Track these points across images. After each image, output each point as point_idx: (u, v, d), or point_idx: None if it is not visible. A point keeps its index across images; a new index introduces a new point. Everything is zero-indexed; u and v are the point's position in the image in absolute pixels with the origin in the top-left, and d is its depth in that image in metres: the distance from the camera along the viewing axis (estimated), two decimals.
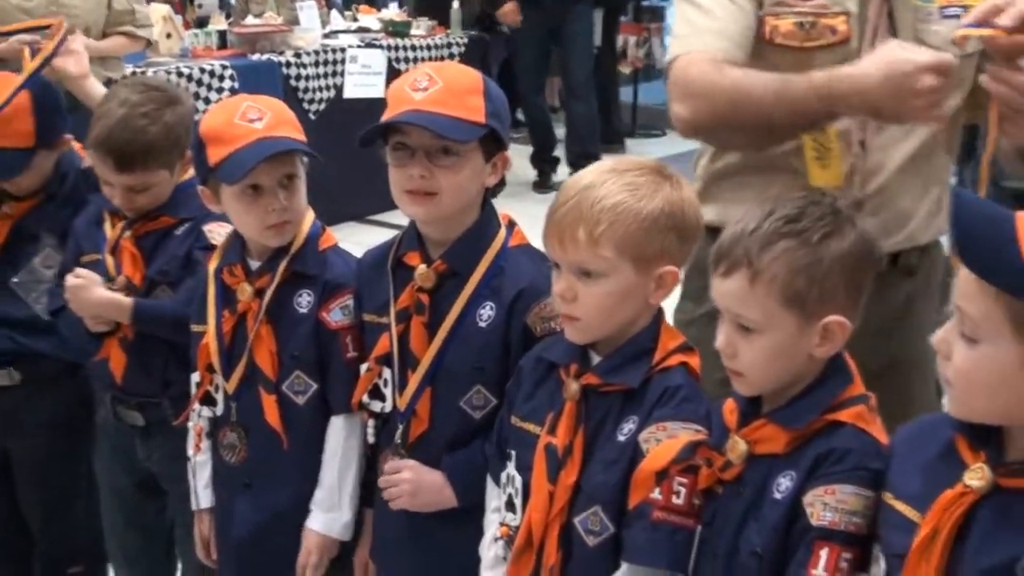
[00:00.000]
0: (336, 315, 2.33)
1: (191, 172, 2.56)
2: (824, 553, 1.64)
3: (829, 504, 1.64)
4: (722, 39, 2.20)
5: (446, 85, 2.08)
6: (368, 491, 2.35)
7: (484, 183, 2.17)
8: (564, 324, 1.95)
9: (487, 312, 2.13)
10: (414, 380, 2.17)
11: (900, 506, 1.59)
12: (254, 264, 2.39)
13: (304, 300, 2.35)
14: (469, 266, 2.14)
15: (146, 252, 2.65)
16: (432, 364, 2.15)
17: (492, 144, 2.14)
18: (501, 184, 2.19)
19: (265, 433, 2.36)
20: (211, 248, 2.54)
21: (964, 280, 1.47)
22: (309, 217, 2.41)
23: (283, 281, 2.35)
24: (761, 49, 2.24)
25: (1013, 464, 1.49)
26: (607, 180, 1.89)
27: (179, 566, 2.93)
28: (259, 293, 2.35)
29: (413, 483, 2.18)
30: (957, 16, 2.09)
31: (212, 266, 2.44)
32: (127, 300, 2.58)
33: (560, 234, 1.89)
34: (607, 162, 1.98)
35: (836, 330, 1.71)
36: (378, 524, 2.34)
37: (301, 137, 2.36)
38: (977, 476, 1.50)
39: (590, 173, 1.93)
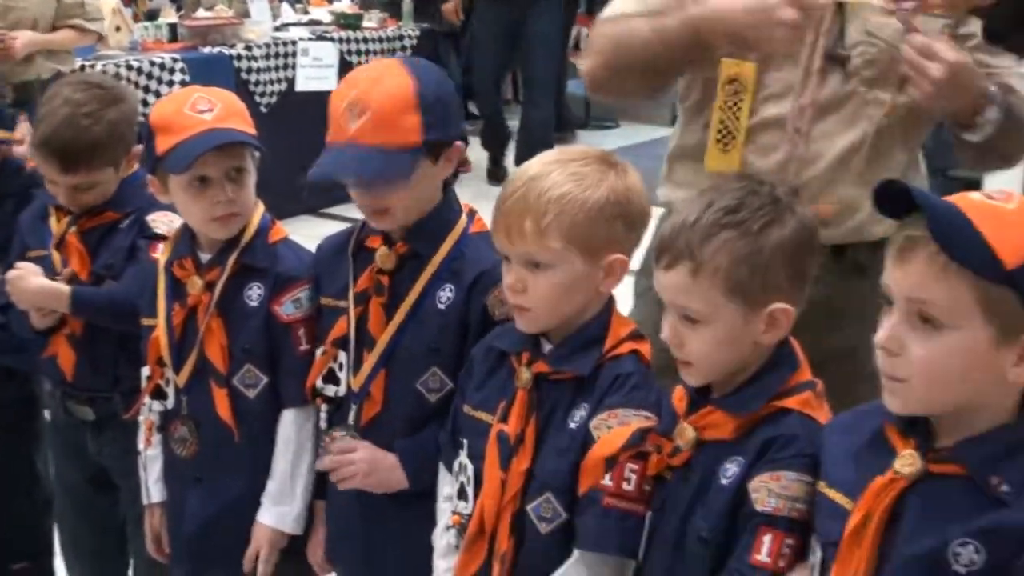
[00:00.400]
0: (288, 308, 2.32)
1: (137, 166, 2.55)
2: (767, 539, 1.65)
3: (774, 490, 1.66)
4: (640, 3, 2.25)
5: (375, 113, 2.03)
6: (320, 483, 2.35)
7: (438, 180, 2.17)
8: (515, 314, 1.96)
9: (446, 294, 2.14)
10: (370, 360, 2.17)
11: (833, 494, 1.60)
12: (204, 257, 2.38)
13: (254, 293, 2.34)
14: (430, 248, 2.14)
15: (91, 247, 2.64)
16: (389, 345, 2.15)
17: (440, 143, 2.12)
18: (464, 165, 2.18)
19: (216, 426, 2.35)
20: (155, 237, 2.54)
21: (921, 269, 1.47)
22: (259, 210, 2.40)
23: (233, 274, 2.34)
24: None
25: (942, 450, 1.51)
26: (552, 171, 1.90)
27: (131, 561, 2.91)
28: (209, 286, 2.34)
29: (368, 462, 2.17)
30: (914, 9, 2.09)
31: (163, 259, 2.43)
32: (65, 287, 2.57)
33: (507, 226, 1.90)
34: (553, 152, 1.98)
35: (780, 317, 1.72)
36: (330, 515, 2.34)
37: (251, 130, 2.35)
38: (907, 463, 1.51)
39: (536, 164, 1.94)
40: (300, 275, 2.34)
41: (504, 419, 1.96)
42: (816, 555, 1.62)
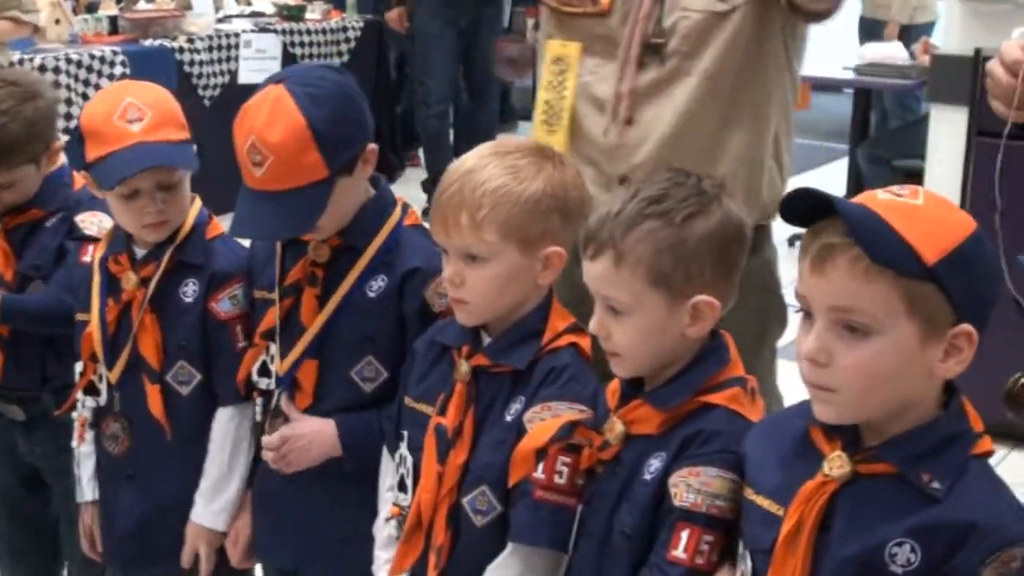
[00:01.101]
0: (225, 305, 2.30)
1: (61, 161, 2.51)
2: (685, 535, 1.64)
3: (692, 486, 1.65)
4: None
5: (276, 160, 2.01)
6: (248, 472, 2.34)
7: (360, 185, 2.14)
8: (454, 307, 1.95)
9: (377, 283, 2.13)
10: (299, 347, 2.15)
11: (762, 501, 1.58)
12: (140, 252, 2.35)
13: (190, 289, 2.32)
14: (364, 241, 2.13)
15: (16, 246, 2.60)
16: (319, 334, 2.14)
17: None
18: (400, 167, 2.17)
19: (148, 423, 2.32)
20: (84, 239, 2.50)
21: (844, 276, 1.45)
22: (196, 206, 2.38)
23: (168, 270, 2.32)
24: (542, 12, 2.38)
25: (869, 450, 1.50)
26: (488, 164, 1.89)
27: (65, 561, 2.89)
28: (144, 282, 2.32)
29: (305, 437, 2.15)
30: None
31: (98, 254, 2.40)
32: None
33: (444, 219, 1.90)
34: (489, 145, 1.98)
35: (705, 310, 1.72)
36: (260, 504, 2.32)
37: (183, 135, 2.30)
38: (836, 465, 1.50)
39: (472, 157, 1.93)
40: (236, 271, 2.32)
41: (443, 412, 1.95)
42: (747, 564, 1.60)
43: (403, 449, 2.03)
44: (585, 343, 1.94)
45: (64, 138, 2.73)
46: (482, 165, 1.89)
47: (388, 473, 2.10)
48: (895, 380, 1.47)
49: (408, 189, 2.03)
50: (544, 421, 1.83)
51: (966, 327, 1.45)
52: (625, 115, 2.22)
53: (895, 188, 1.51)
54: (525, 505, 1.83)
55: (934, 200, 1.49)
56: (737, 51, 2.23)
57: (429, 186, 7.14)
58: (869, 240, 1.43)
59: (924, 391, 1.49)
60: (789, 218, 1.54)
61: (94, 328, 2.36)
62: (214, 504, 2.33)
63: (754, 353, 1.83)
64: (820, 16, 2.22)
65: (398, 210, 2.19)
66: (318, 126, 2.01)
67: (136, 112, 2.24)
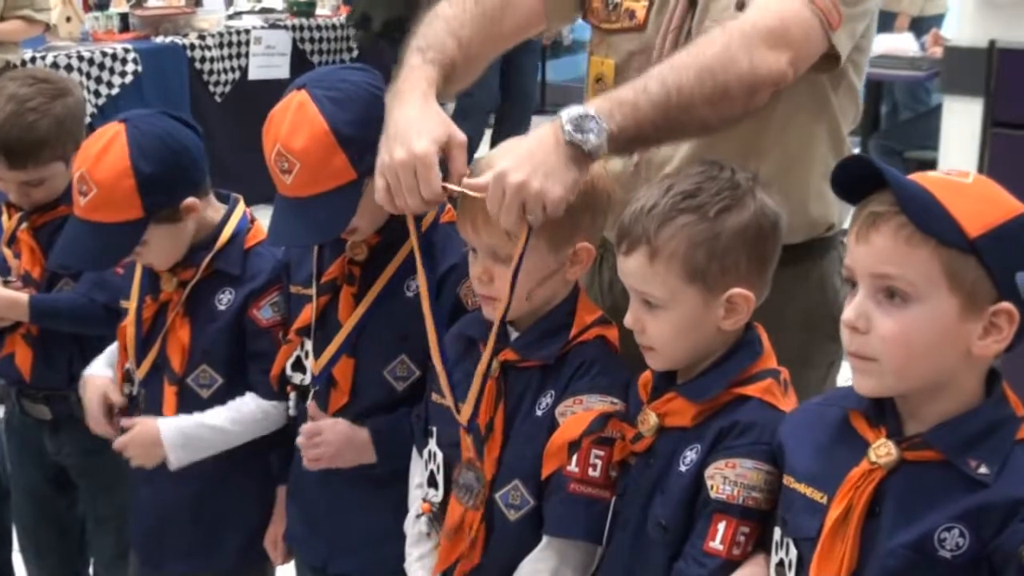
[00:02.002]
0: (266, 312, 2.31)
1: None
2: (722, 526, 1.65)
3: (729, 478, 1.66)
4: None
5: (303, 166, 2.00)
6: (283, 468, 2.34)
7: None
8: (483, 304, 1.95)
9: (415, 283, 2.10)
10: (333, 345, 2.15)
11: (804, 488, 1.59)
12: None
13: (225, 298, 2.32)
14: (402, 238, 2.11)
15: (44, 244, 2.61)
16: (353, 331, 2.14)
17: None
18: None
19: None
20: None
21: (888, 243, 1.47)
22: (238, 212, 2.39)
23: (206, 276, 2.33)
24: (576, 16, 2.27)
25: (915, 437, 1.51)
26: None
27: (91, 560, 2.90)
28: (183, 284, 2.33)
29: (336, 444, 2.15)
30: None
31: None
32: (23, 297, 2.55)
33: (473, 218, 1.88)
34: (513, 141, 1.94)
35: (740, 302, 1.72)
36: (293, 499, 2.33)
37: (130, 215, 2.22)
38: (883, 452, 1.51)
39: (498, 155, 1.89)
40: (275, 279, 2.33)
41: (476, 407, 1.94)
42: (790, 552, 1.60)
43: (432, 445, 2.03)
44: (613, 335, 1.94)
45: None
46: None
47: (417, 471, 2.10)
48: (932, 352, 1.47)
49: None
50: (577, 414, 1.84)
51: (1007, 305, 1.46)
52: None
53: (945, 169, 1.53)
54: (560, 499, 1.83)
55: (983, 181, 1.52)
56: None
57: None
58: (914, 208, 1.45)
59: (962, 370, 1.50)
60: (839, 190, 1.56)
61: (130, 322, 2.37)
62: (183, 447, 2.31)
63: (798, 374, 1.81)
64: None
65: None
66: (341, 129, 2.00)
67: (84, 185, 2.22)
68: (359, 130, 2.01)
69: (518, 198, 1.74)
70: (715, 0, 2.07)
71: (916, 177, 1.51)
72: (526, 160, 1.75)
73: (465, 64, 2.12)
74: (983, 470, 1.46)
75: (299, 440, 2.19)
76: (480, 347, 1.97)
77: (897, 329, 1.47)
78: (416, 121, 1.88)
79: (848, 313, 1.51)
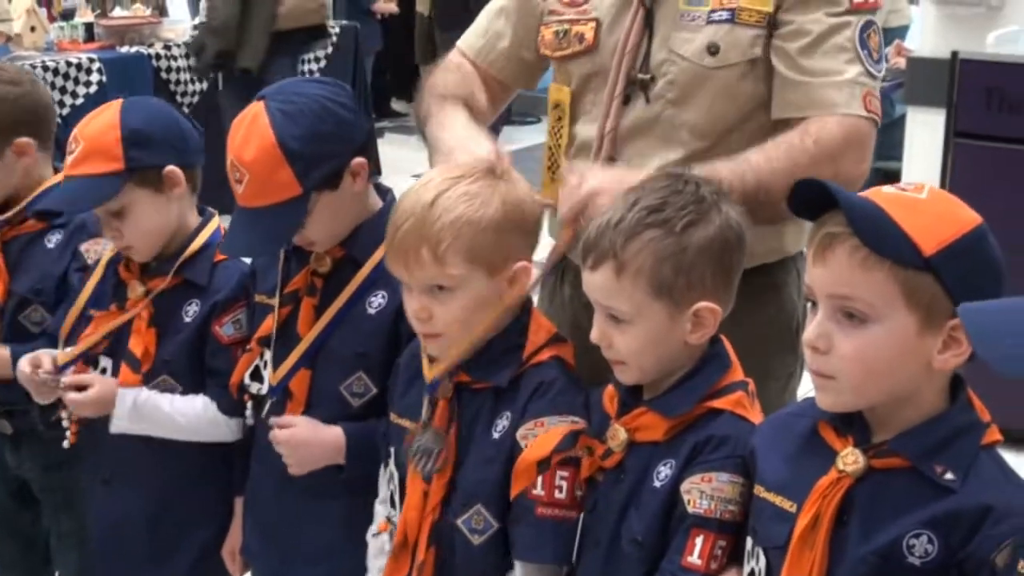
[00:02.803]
0: (228, 329, 2.30)
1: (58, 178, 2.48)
2: (699, 540, 1.65)
3: (705, 492, 1.66)
4: (487, 35, 2.32)
5: (251, 176, 2.03)
6: (241, 479, 2.33)
7: (355, 198, 2.13)
8: (424, 342, 1.93)
9: (378, 300, 2.11)
10: (292, 357, 2.14)
11: (773, 498, 1.60)
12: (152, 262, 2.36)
13: (192, 309, 2.32)
14: (365, 254, 2.12)
15: (11, 259, 2.58)
16: (313, 344, 2.13)
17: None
18: (376, 173, 2.17)
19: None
20: (89, 269, 2.47)
21: (844, 265, 1.48)
22: (212, 224, 2.38)
23: (175, 286, 2.32)
24: (541, 61, 2.29)
25: (881, 445, 1.52)
26: (442, 193, 1.85)
27: (56, 574, 2.88)
28: (149, 293, 2.32)
29: (302, 438, 2.13)
30: (726, 20, 2.05)
31: (108, 255, 2.41)
32: (3, 351, 2.51)
33: (404, 257, 1.86)
34: (438, 171, 1.94)
35: (707, 316, 1.72)
36: (249, 509, 2.32)
37: (110, 167, 2.24)
38: (850, 460, 1.52)
39: (424, 188, 1.88)
40: (240, 294, 2.32)
41: (427, 428, 1.93)
42: (759, 562, 1.61)
43: (391, 465, 2.03)
44: (567, 354, 1.94)
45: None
46: (435, 197, 1.85)
47: (383, 485, 2.09)
48: (892, 369, 1.49)
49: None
50: (545, 432, 1.83)
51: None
52: (607, 155, 2.13)
53: (901, 184, 1.54)
54: (528, 522, 1.82)
55: (938, 195, 1.52)
56: (729, 107, 2.09)
57: None
58: (867, 229, 1.46)
59: (924, 382, 1.51)
60: (796, 210, 1.57)
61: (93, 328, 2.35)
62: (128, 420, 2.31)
63: (759, 387, 1.82)
64: None
65: None
66: (288, 143, 2.01)
67: (73, 143, 2.27)
68: (307, 145, 2.03)
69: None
70: (677, 32, 2.08)
71: (870, 194, 1.51)
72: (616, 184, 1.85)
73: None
74: (949, 476, 1.47)
75: (272, 434, 2.14)
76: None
77: (856, 349, 1.48)
78: (465, 138, 2.08)
79: (809, 333, 1.52)
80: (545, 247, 2.08)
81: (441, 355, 1.91)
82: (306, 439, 2.13)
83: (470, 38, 2.39)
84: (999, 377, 1.21)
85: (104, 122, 2.26)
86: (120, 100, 2.32)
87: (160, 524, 2.38)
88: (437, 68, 2.39)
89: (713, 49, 2.06)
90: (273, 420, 2.16)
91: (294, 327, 2.16)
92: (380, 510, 2.08)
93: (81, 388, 2.30)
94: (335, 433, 2.12)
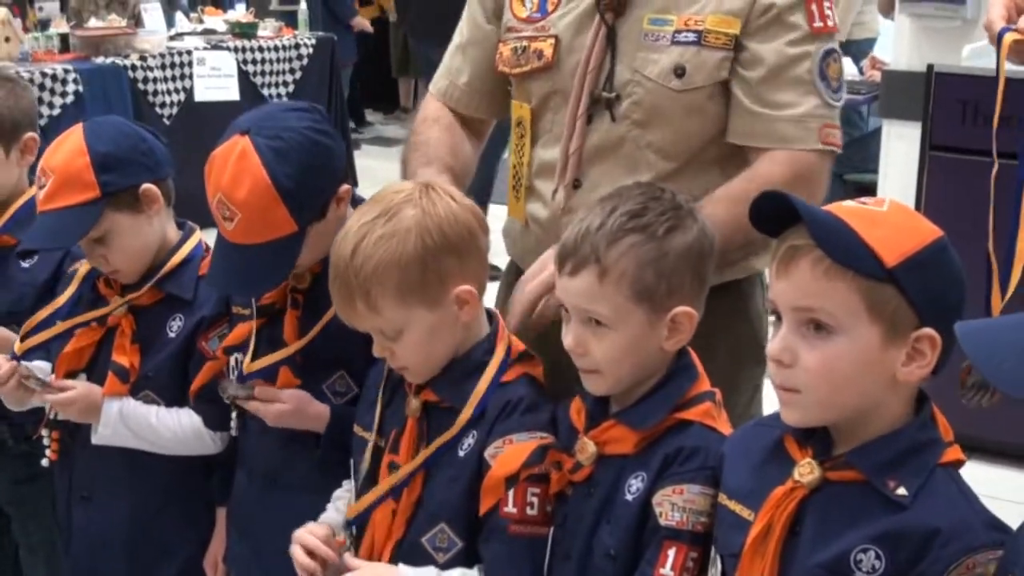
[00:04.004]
0: (214, 344, 2.28)
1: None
2: (672, 553, 1.65)
3: (677, 504, 1.66)
4: (449, 74, 2.34)
5: (244, 216, 2.00)
6: (223, 489, 2.32)
7: (337, 223, 2.09)
8: (399, 372, 1.94)
9: None
10: (274, 357, 2.13)
11: (733, 506, 1.60)
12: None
13: (176, 324, 2.31)
14: None
15: None
16: (300, 351, 2.12)
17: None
18: (353, 184, 2.16)
19: (105, 447, 2.31)
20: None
21: (807, 277, 1.48)
22: (194, 239, 2.37)
23: (158, 301, 2.31)
24: (507, 86, 2.26)
25: (839, 457, 1.52)
26: (360, 242, 1.83)
27: None
28: (132, 310, 2.31)
29: (295, 401, 2.11)
30: (693, 42, 2.04)
31: (84, 270, 2.39)
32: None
33: (344, 310, 1.88)
34: (357, 215, 1.90)
35: (684, 321, 1.73)
36: (233, 523, 2.31)
37: (86, 196, 2.22)
38: (806, 471, 1.52)
39: (345, 241, 1.86)
40: (225, 308, 2.30)
41: (395, 448, 1.92)
42: (717, 567, 1.62)
43: (352, 477, 2.02)
44: (537, 372, 1.93)
45: None
46: (354, 247, 1.84)
47: (343, 495, 2.08)
48: (856, 381, 1.49)
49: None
50: (513, 448, 1.81)
51: (928, 331, 1.47)
52: (572, 177, 2.11)
53: (862, 199, 1.54)
54: (500, 541, 1.81)
55: (899, 208, 1.53)
56: (696, 129, 2.09)
57: None
58: (830, 240, 1.46)
59: (889, 396, 1.51)
60: (758, 225, 1.57)
61: (73, 349, 2.33)
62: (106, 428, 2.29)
63: (725, 400, 1.83)
64: None
65: None
66: (283, 183, 2.00)
67: (43, 177, 2.24)
68: (300, 182, 2.02)
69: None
70: (641, 52, 2.06)
71: (832, 208, 1.52)
72: None
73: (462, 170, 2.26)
74: (901, 491, 1.47)
75: (256, 393, 2.12)
76: (405, 386, 1.96)
77: (821, 361, 1.49)
78: None
79: (773, 347, 1.52)
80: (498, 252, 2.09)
81: (415, 380, 1.92)
82: (289, 394, 2.12)
83: (437, 80, 2.38)
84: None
85: (70, 150, 2.22)
86: (79, 124, 2.29)
87: (141, 540, 2.36)
88: (419, 120, 2.35)
89: (679, 71, 2.05)
90: (260, 390, 2.12)
91: (266, 338, 2.15)
92: (342, 495, 2.07)
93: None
94: (319, 407, 2.12)
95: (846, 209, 1.51)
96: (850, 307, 1.47)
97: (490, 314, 1.97)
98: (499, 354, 1.91)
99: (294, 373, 2.12)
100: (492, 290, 2.01)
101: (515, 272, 2.20)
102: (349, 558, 1.88)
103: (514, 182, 2.23)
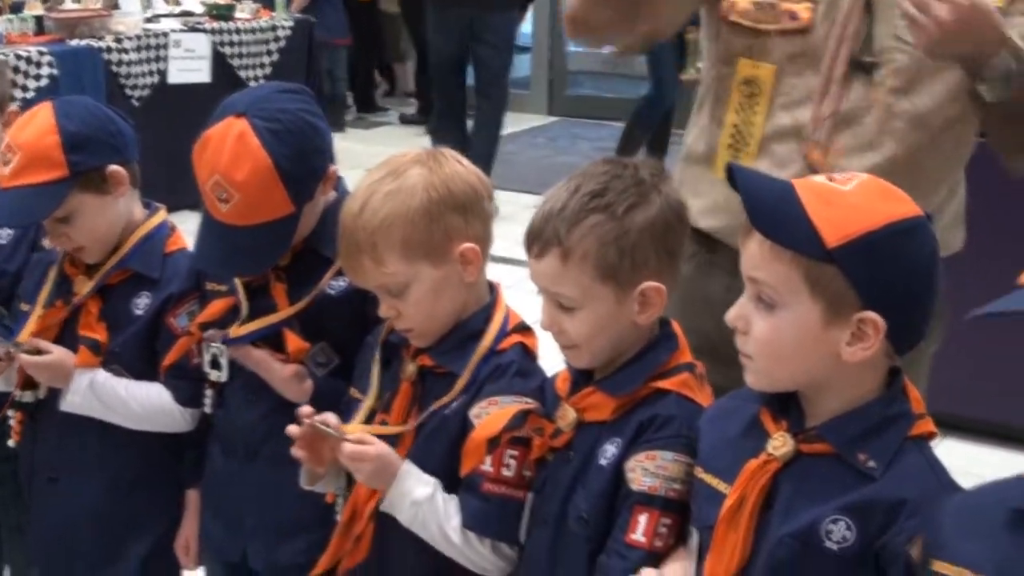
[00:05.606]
0: (183, 321, 2.28)
1: None
2: (643, 518, 1.67)
3: (649, 470, 1.68)
4: None
5: (243, 197, 2.02)
6: (194, 471, 2.33)
7: (321, 200, 2.13)
8: (405, 335, 1.95)
9: (339, 283, 2.12)
10: (264, 322, 2.13)
11: (710, 479, 1.62)
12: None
13: (142, 302, 2.31)
14: (325, 242, 2.10)
15: None
16: (285, 319, 2.13)
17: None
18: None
19: (74, 427, 2.31)
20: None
21: (755, 250, 1.51)
22: (157, 218, 2.37)
23: (124, 280, 2.30)
24: (718, 29, 2.17)
25: (811, 430, 1.54)
26: (368, 199, 1.88)
27: (6, 568, 2.84)
28: (99, 290, 2.30)
29: (278, 369, 2.13)
30: None
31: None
32: None
33: (352, 268, 1.92)
34: (367, 175, 1.94)
35: (653, 295, 1.74)
36: (208, 501, 2.31)
37: (54, 174, 2.21)
38: (779, 444, 1.54)
39: (353, 199, 1.91)
40: (193, 286, 2.30)
41: (387, 409, 1.95)
42: (694, 539, 1.63)
43: None
44: (531, 342, 1.96)
45: None
46: (362, 204, 1.88)
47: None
48: (797, 355, 1.51)
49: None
50: (495, 412, 1.84)
51: (870, 314, 1.47)
52: (824, 141, 2.07)
53: (837, 174, 1.54)
54: (475, 495, 1.85)
55: (866, 188, 1.52)
56: (952, 98, 2.04)
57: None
58: (766, 219, 1.48)
59: (843, 373, 1.51)
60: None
61: (35, 326, 2.31)
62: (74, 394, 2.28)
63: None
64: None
65: None
66: (283, 164, 2.02)
67: (8, 153, 2.22)
68: (298, 164, 2.05)
69: None
70: (902, 19, 1.96)
71: (800, 182, 1.53)
72: None
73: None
74: (872, 464, 1.49)
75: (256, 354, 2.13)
76: (402, 352, 1.98)
77: (764, 332, 1.52)
78: None
79: (729, 313, 1.56)
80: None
81: (420, 343, 1.94)
82: (272, 360, 2.12)
83: None
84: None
85: (39, 128, 2.21)
86: (49, 103, 2.28)
87: (109, 522, 2.36)
88: None
89: None
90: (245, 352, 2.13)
91: (253, 313, 2.15)
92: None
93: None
94: (307, 384, 2.13)
95: (809, 184, 1.52)
96: (791, 284, 1.48)
97: (491, 285, 2.00)
98: (497, 322, 1.94)
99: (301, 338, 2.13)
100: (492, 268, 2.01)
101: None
102: (360, 434, 1.89)
103: (732, 140, 2.15)
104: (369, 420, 1.97)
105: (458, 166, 1.93)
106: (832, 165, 2.01)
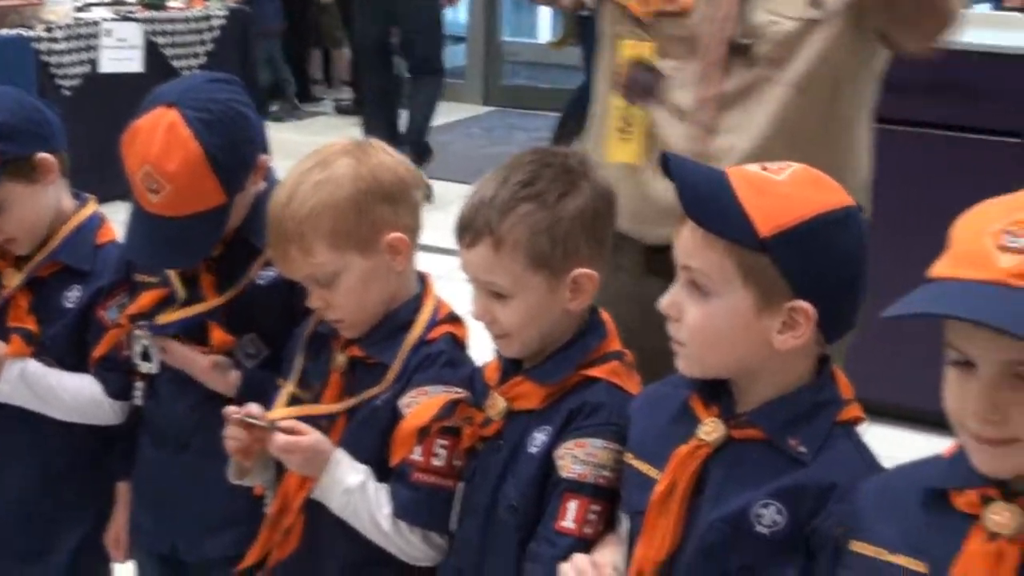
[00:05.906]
0: (112, 313, 2.27)
1: None
2: (573, 505, 1.68)
3: (579, 457, 1.69)
4: None
5: (174, 187, 2.00)
6: (123, 464, 2.31)
7: (252, 189, 2.12)
8: (336, 327, 1.96)
9: (268, 274, 2.12)
10: (189, 311, 2.13)
11: (640, 465, 1.63)
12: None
13: (72, 295, 2.29)
14: (256, 233, 2.08)
15: None
16: (213, 309, 2.12)
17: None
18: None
19: (1, 416, 2.30)
20: None
21: (688, 238, 1.52)
22: (87, 209, 2.35)
23: (54, 272, 2.29)
24: (604, 11, 2.20)
25: (743, 416, 1.55)
26: (295, 189, 1.89)
27: None
28: (28, 283, 2.28)
29: (199, 366, 2.13)
30: None
31: None
32: None
33: (280, 258, 1.93)
34: (296, 166, 1.95)
35: (584, 282, 1.75)
36: (139, 493, 2.30)
37: None
38: (710, 429, 1.55)
39: (281, 189, 1.92)
40: (123, 278, 2.28)
41: (317, 400, 1.96)
42: (624, 526, 1.64)
43: None
44: (460, 332, 1.97)
45: None
46: (290, 194, 1.89)
47: None
48: (730, 343, 1.52)
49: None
50: (425, 401, 1.85)
51: (802, 304, 1.49)
52: (709, 123, 2.10)
53: (771, 164, 1.56)
54: (404, 485, 1.85)
55: (800, 178, 1.53)
56: (831, 62, 2.08)
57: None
58: (699, 207, 1.50)
59: (775, 361, 1.53)
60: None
61: None
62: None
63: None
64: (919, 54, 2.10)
65: None
66: (215, 154, 2.01)
67: None
68: (230, 154, 2.04)
69: None
70: None
71: (733, 171, 1.55)
72: None
73: None
74: (802, 449, 1.51)
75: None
76: (332, 343, 1.99)
77: (697, 319, 1.53)
78: None
79: (663, 301, 1.57)
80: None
81: (349, 334, 1.95)
82: (195, 356, 2.13)
83: None
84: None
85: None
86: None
87: (36, 515, 2.34)
88: None
89: (816, 2, 2.03)
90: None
91: (183, 304, 2.14)
92: None
93: None
94: (233, 375, 2.12)
95: (744, 173, 1.54)
96: (724, 272, 1.50)
97: (420, 275, 2.01)
98: (426, 312, 1.95)
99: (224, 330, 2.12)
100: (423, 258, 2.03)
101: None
102: (292, 423, 1.89)
103: (620, 124, 2.18)
104: (292, 405, 1.97)
105: (385, 156, 1.95)
106: (718, 146, 2.09)
